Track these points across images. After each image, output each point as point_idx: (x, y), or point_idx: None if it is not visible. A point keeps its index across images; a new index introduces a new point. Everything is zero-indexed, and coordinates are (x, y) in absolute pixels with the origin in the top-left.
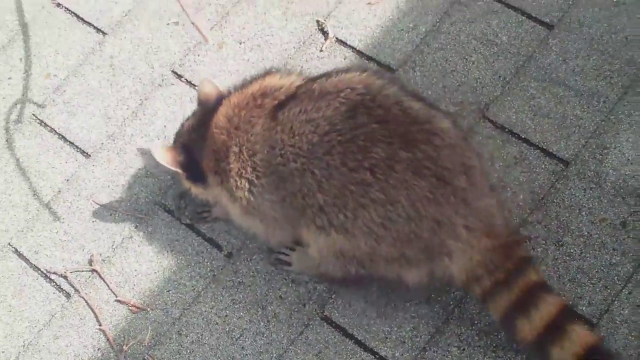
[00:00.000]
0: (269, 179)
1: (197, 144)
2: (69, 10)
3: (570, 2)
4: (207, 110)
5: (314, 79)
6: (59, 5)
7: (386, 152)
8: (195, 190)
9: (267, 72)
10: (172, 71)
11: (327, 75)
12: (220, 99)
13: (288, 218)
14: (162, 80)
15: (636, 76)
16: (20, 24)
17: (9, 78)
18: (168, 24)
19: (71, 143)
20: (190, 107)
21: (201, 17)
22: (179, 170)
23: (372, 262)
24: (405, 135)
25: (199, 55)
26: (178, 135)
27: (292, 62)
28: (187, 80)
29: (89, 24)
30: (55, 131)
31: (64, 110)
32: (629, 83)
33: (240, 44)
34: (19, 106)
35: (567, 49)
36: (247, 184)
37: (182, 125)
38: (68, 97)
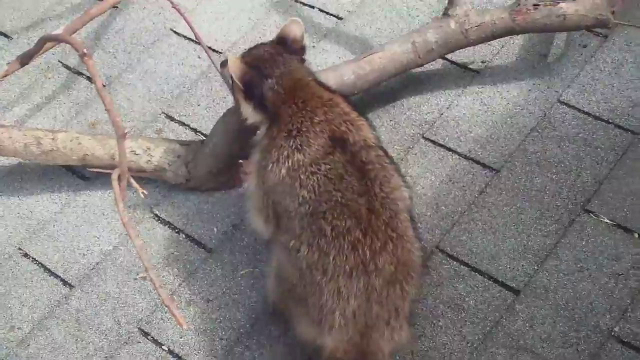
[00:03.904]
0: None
1: (267, 76)
2: (36, 261)
3: (536, 267)
4: (288, 51)
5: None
6: (26, 255)
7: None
8: (245, 108)
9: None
10: (139, 328)
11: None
12: (302, 49)
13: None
14: (129, 337)
15: (601, 344)
16: None
17: None
18: (136, 279)
19: None
20: None
21: (168, 274)
22: (240, 85)
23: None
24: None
25: (166, 313)
26: (252, 55)
27: None
28: (153, 339)
29: (56, 275)
30: None
31: None
32: (596, 351)
33: (208, 302)
34: None
35: (533, 314)
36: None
37: (258, 47)
38: (32, 351)
